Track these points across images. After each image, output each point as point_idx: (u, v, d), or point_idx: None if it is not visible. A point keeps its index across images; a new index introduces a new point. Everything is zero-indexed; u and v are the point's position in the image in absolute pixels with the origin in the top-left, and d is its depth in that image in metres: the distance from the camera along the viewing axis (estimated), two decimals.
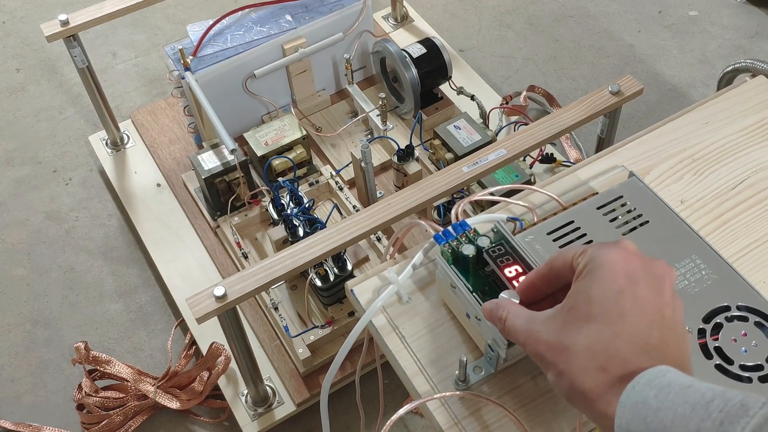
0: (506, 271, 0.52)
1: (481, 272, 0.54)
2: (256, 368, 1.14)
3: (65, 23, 1.33)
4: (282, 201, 1.30)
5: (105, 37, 1.84)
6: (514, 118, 1.55)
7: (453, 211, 0.56)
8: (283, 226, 1.28)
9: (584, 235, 0.57)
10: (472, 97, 1.50)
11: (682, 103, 1.65)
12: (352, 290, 0.59)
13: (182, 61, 1.37)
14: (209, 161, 1.35)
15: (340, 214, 1.35)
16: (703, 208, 0.61)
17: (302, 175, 1.41)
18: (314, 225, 1.24)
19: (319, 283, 1.21)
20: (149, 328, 1.36)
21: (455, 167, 1.10)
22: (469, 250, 0.53)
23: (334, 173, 1.42)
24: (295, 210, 1.25)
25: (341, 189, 1.40)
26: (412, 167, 1.37)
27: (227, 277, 1.35)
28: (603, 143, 1.26)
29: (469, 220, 0.56)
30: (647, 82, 1.70)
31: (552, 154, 1.46)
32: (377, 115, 1.44)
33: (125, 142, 1.56)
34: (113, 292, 1.41)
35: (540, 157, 1.44)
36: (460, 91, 1.50)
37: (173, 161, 1.52)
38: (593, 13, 1.85)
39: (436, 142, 1.42)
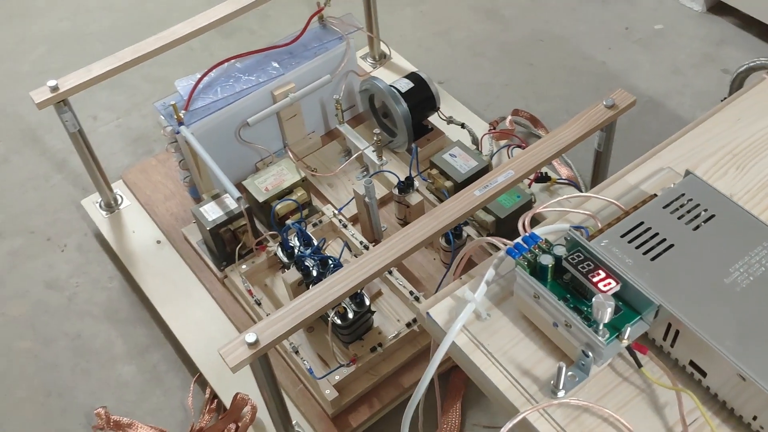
0: (591, 276, 0.53)
1: (559, 281, 0.55)
2: (287, 414, 1.12)
3: (55, 89, 1.32)
4: (290, 244, 1.30)
5: (83, 101, 1.83)
6: (503, 142, 1.58)
7: (519, 224, 0.58)
8: (294, 268, 1.27)
9: (656, 234, 0.58)
10: (462, 125, 1.53)
11: (660, 114, 1.70)
12: (428, 313, 0.59)
13: (175, 116, 1.37)
14: (212, 212, 1.35)
15: (350, 251, 1.35)
16: (752, 200, 0.63)
17: (303, 218, 1.41)
18: (328, 264, 1.24)
19: (339, 321, 1.20)
20: (165, 386, 1.34)
21: (467, 192, 1.12)
22: (547, 260, 0.54)
23: (336, 212, 1.42)
24: (308, 251, 1.25)
25: (345, 226, 1.40)
26: (414, 198, 1.39)
27: (240, 326, 1.34)
28: (601, 157, 1.29)
29: (537, 231, 0.57)
30: None
31: (546, 173, 1.49)
32: (373, 151, 1.46)
33: (119, 202, 1.55)
34: (124, 354, 1.38)
35: (536, 178, 1.47)
36: (450, 121, 1.53)
37: (171, 217, 1.51)
38: (563, 35, 1.90)
39: (434, 171, 1.43)
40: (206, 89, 1.45)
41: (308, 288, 1.25)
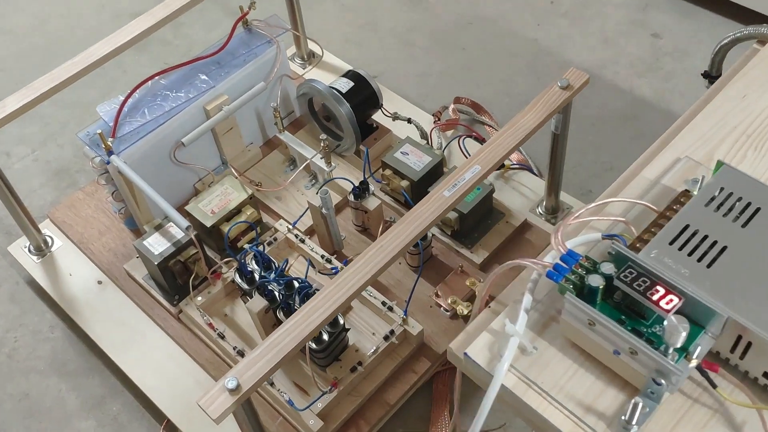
0: (649, 294, 0.48)
1: (609, 300, 0.50)
2: None
3: None
4: (249, 268, 1.22)
5: None
6: (450, 133, 1.53)
7: (553, 241, 0.52)
8: (257, 294, 1.19)
9: (706, 237, 0.53)
10: (409, 120, 1.47)
11: (600, 86, 1.68)
12: (465, 353, 0.53)
13: (103, 145, 1.26)
14: (158, 244, 1.25)
15: (314, 268, 1.28)
16: None
17: (258, 237, 1.32)
18: (293, 286, 1.16)
19: (314, 345, 1.13)
20: None
21: (436, 193, 1.06)
22: (597, 281, 0.49)
23: (290, 226, 1.34)
24: (272, 275, 1.17)
25: (303, 241, 1.32)
26: (372, 203, 1.32)
27: (204, 363, 1.25)
28: (558, 139, 1.25)
29: (570, 245, 0.51)
30: (560, 72, 1.71)
31: None
32: (321, 158, 1.38)
33: (50, 244, 1.42)
34: (80, 408, 1.27)
35: None
36: (395, 117, 1.47)
37: (109, 253, 1.40)
38: (490, 16, 1.86)
39: (387, 171, 1.37)
40: (132, 112, 1.34)
41: (275, 314, 1.17)
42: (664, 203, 0.57)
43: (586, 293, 0.50)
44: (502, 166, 1.44)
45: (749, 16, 1.73)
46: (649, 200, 0.60)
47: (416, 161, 1.35)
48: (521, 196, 1.41)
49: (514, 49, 1.78)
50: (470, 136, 1.43)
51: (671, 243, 0.53)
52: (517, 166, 1.46)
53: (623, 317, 0.50)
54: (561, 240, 0.52)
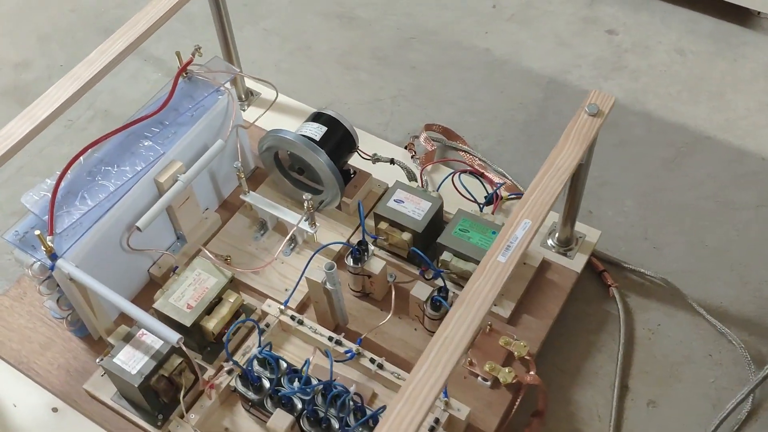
0: None
1: None
2: None
3: None
4: (255, 373, 1.00)
5: None
6: (430, 168, 1.36)
7: None
8: (271, 405, 0.98)
9: None
10: (392, 161, 1.28)
11: (569, 94, 1.56)
12: None
13: (44, 248, 1.00)
14: (133, 361, 1.02)
15: (327, 356, 1.07)
16: None
17: (241, 325, 1.10)
18: (317, 390, 0.97)
19: None
20: None
21: (488, 261, 0.90)
22: None
23: (281, 307, 1.13)
24: (294, 384, 0.96)
25: (301, 323, 1.12)
26: (376, 265, 1.13)
27: None
28: (581, 169, 1.11)
29: None
30: (523, 83, 1.59)
31: (496, 192, 1.30)
32: (305, 221, 1.18)
33: None
34: None
35: (486, 202, 1.27)
36: (376, 159, 1.28)
37: (60, 371, 1.14)
38: (432, 28, 1.70)
39: (383, 225, 1.19)
40: (68, 198, 1.09)
41: (300, 426, 0.97)
42: None
43: None
44: (500, 197, 1.29)
45: (701, 2, 1.67)
46: None
47: (415, 209, 1.18)
48: None
49: (467, 62, 1.63)
50: (465, 172, 1.27)
51: None
52: (513, 196, 1.31)
53: None
54: None
